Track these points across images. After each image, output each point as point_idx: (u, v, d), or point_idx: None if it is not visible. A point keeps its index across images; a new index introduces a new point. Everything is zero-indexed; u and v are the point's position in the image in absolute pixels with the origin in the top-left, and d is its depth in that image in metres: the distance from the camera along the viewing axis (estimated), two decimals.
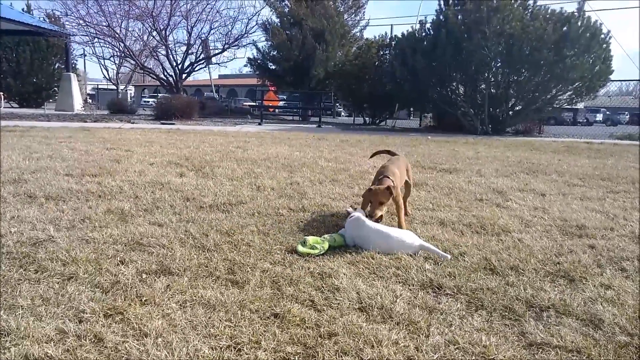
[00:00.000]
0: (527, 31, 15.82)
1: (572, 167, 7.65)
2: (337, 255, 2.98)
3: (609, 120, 43.48)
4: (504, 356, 1.87)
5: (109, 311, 2.11)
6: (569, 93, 17.15)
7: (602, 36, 16.30)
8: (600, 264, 2.97)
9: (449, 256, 2.99)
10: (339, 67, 24.91)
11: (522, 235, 3.52)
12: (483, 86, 17.81)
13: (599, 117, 44.55)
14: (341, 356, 1.82)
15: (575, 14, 16.22)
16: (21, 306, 2.13)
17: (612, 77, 17.22)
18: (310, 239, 3.08)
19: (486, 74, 17.48)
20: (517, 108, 17.89)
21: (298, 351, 1.86)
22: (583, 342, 2.00)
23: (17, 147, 7.34)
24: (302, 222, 3.74)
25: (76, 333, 1.92)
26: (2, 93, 25.41)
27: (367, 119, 24.80)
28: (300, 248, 2.99)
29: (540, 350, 1.94)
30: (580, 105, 31.91)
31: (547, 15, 16.38)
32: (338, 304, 2.29)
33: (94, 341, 1.88)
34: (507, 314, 2.26)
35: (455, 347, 1.94)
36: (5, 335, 1.90)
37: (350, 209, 3.59)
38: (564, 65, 15.73)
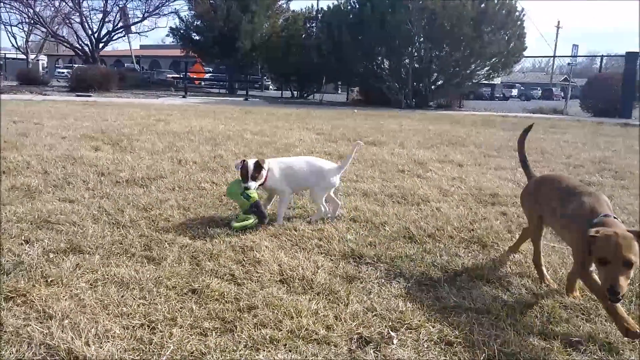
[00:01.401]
0: (448, 7, 16.27)
1: (488, 139, 8.04)
2: (260, 228, 2.94)
3: (524, 95, 46.07)
4: (419, 320, 1.93)
5: (9, 294, 1.96)
6: (486, 69, 18.01)
7: (517, 13, 17.11)
8: (511, 230, 3.14)
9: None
10: (265, 39, 24.49)
11: (440, 204, 3.65)
12: (407, 61, 18.22)
13: (515, 92, 47.04)
14: (260, 329, 1.80)
15: None
16: None
17: (525, 54, 18.20)
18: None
19: (410, 49, 17.90)
20: (439, 83, 18.51)
21: (216, 326, 1.82)
22: (492, 303, 2.11)
23: None
24: (224, 195, 3.65)
25: None
26: None
27: (295, 92, 24.66)
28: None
29: (453, 313, 2.03)
30: (498, 81, 33.54)
31: None
32: (259, 277, 2.26)
33: None
34: (423, 280, 2.34)
35: (373, 314, 1.97)
36: None
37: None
38: (482, 41, 16.42)
